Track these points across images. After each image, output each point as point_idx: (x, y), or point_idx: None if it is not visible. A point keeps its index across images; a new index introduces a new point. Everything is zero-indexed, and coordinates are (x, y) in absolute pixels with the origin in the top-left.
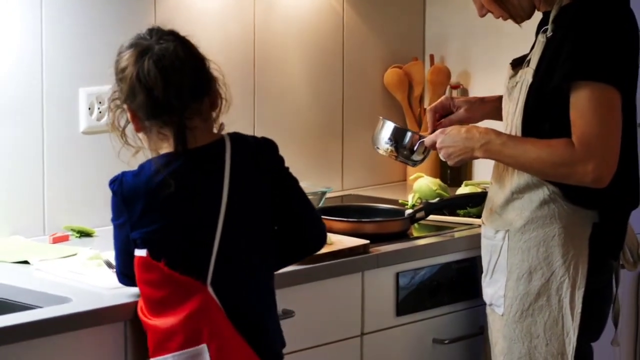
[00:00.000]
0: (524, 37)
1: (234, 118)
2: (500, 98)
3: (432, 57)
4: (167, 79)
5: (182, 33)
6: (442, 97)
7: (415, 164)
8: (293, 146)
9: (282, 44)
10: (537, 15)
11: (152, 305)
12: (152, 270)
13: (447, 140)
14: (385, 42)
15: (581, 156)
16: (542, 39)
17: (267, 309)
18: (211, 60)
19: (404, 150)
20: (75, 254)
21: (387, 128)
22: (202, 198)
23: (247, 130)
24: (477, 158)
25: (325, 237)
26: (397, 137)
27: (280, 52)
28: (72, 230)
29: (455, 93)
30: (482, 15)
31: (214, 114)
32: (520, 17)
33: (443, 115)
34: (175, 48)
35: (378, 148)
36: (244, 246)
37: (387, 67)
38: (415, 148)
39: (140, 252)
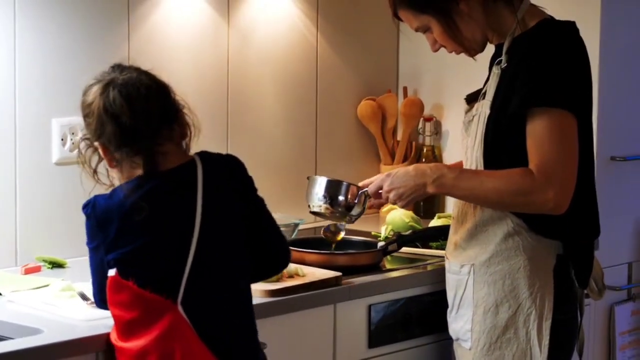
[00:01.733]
0: None
1: (207, 148)
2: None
3: (405, 89)
4: (133, 106)
5: (156, 64)
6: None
7: (353, 219)
8: (266, 177)
9: (256, 75)
10: (490, 49)
11: (124, 328)
12: (122, 290)
13: (395, 182)
14: (359, 75)
15: (540, 184)
16: (496, 70)
17: (243, 328)
18: (174, 91)
19: (339, 207)
20: (47, 285)
21: (320, 183)
22: (176, 218)
23: None
24: (429, 195)
25: (289, 255)
26: (331, 191)
27: (254, 84)
28: (44, 261)
29: (428, 125)
30: (435, 50)
31: (184, 143)
32: (473, 50)
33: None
34: (138, 76)
35: (310, 206)
36: (217, 265)
37: (361, 99)
38: (355, 200)
39: (111, 272)
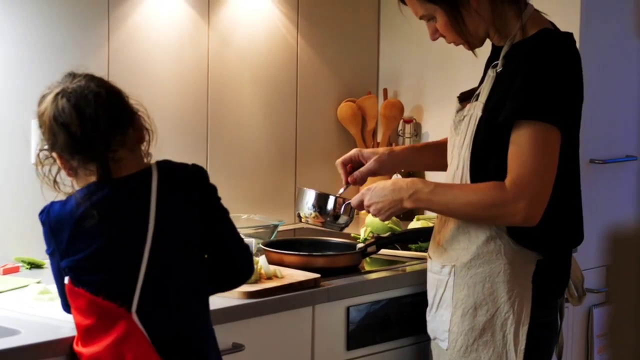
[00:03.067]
0: (476, 72)
1: (187, 150)
2: (410, 148)
3: (385, 91)
4: (81, 114)
5: (136, 64)
6: (351, 151)
7: (342, 228)
8: (246, 179)
9: (236, 76)
10: (486, 50)
11: (83, 334)
12: (79, 297)
13: (374, 196)
14: (339, 76)
15: (513, 195)
16: (491, 73)
17: (199, 335)
18: (130, 95)
19: (327, 216)
20: (26, 286)
21: (309, 195)
22: (127, 226)
23: (200, 163)
24: (407, 209)
25: (252, 267)
26: (320, 203)
27: (234, 85)
28: (23, 261)
29: (408, 127)
30: (434, 39)
31: (143, 147)
32: (474, 44)
33: (354, 168)
34: (87, 83)
35: (301, 216)
36: (172, 273)
37: (341, 101)
38: (341, 211)
39: (66, 279)
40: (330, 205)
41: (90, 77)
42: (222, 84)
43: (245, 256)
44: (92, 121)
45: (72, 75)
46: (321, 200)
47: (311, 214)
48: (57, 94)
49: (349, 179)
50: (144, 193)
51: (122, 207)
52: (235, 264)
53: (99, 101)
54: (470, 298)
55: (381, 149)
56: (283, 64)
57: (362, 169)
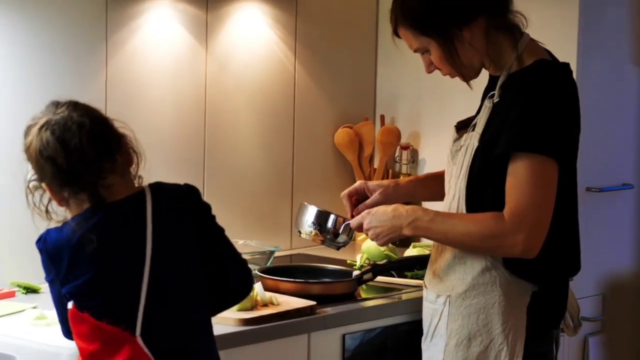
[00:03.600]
0: (473, 100)
1: (184, 175)
2: (415, 180)
3: (382, 117)
4: (66, 146)
5: (133, 89)
6: (356, 183)
7: (339, 247)
8: (243, 204)
9: (234, 102)
10: (485, 79)
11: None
12: (82, 322)
13: (374, 220)
14: (336, 102)
15: (511, 227)
16: (488, 104)
17: (203, 350)
18: (115, 119)
19: (327, 234)
20: (22, 310)
21: (310, 212)
22: (125, 249)
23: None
24: (405, 236)
25: (251, 282)
26: (320, 220)
27: (232, 110)
28: (19, 286)
29: (405, 154)
30: (430, 72)
31: (131, 170)
32: (468, 76)
33: (359, 200)
34: (70, 113)
35: (300, 232)
36: (174, 293)
37: (338, 127)
38: (340, 231)
39: (69, 305)
40: (330, 223)
41: (74, 106)
42: (220, 109)
43: (243, 270)
44: (77, 152)
45: (56, 105)
46: (322, 217)
47: (311, 232)
48: (42, 127)
49: (354, 212)
50: (139, 215)
51: (119, 231)
52: (234, 279)
53: (83, 131)
54: (464, 329)
55: (386, 182)
56: (280, 90)
57: (367, 201)
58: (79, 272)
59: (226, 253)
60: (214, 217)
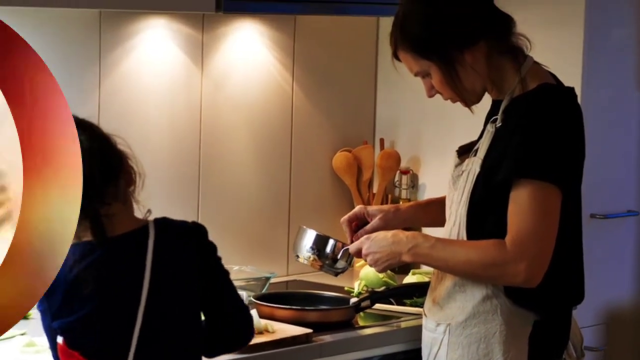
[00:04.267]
0: (474, 124)
1: (178, 198)
2: (415, 206)
3: (382, 141)
4: None
5: (128, 110)
6: (356, 208)
7: (337, 273)
8: (238, 229)
9: (230, 123)
10: (486, 103)
11: None
12: (71, 358)
13: (373, 246)
14: (334, 125)
15: (513, 256)
16: (490, 128)
17: None
18: (115, 135)
19: (326, 259)
20: (12, 337)
21: (309, 236)
22: (121, 288)
23: (191, 212)
24: (405, 263)
25: (252, 329)
26: (319, 245)
27: (228, 132)
28: None
29: (405, 178)
30: (431, 96)
31: (131, 192)
32: (470, 101)
33: (359, 225)
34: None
35: (298, 256)
36: (166, 337)
37: (336, 151)
38: (339, 256)
39: (59, 340)
40: (329, 248)
41: (81, 129)
42: (215, 131)
43: (245, 319)
44: (87, 180)
45: None
46: (320, 242)
47: (309, 257)
48: None
49: (354, 238)
50: (139, 253)
51: (116, 270)
52: (234, 327)
53: (93, 158)
54: (464, 358)
55: (386, 207)
56: (277, 112)
57: (367, 227)
58: (72, 309)
59: (228, 299)
60: (219, 258)
